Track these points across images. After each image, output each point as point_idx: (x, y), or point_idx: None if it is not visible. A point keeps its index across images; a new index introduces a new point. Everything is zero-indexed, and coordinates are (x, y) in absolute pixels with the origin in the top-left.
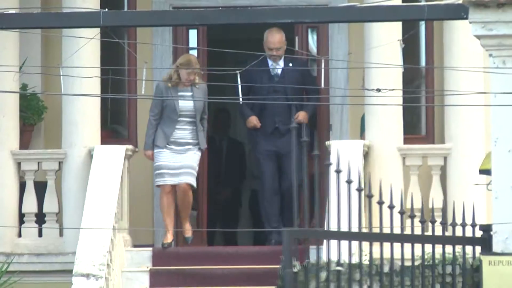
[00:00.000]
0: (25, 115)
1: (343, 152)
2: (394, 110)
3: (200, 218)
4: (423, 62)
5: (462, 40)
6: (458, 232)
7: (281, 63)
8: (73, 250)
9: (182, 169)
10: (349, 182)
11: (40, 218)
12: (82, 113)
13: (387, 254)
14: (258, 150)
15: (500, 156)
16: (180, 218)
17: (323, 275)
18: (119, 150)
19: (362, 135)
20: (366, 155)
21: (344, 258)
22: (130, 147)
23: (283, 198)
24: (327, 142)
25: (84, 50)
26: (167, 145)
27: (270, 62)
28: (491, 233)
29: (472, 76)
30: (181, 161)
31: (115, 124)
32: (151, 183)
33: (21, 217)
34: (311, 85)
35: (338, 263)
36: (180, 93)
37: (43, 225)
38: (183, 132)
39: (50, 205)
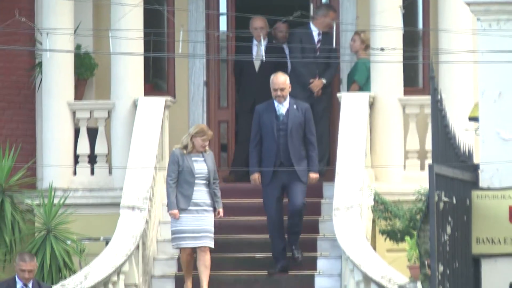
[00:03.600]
0: (79, 71)
1: (351, 102)
2: (395, 67)
3: (229, 158)
4: (420, 25)
5: (454, 6)
6: None
7: (286, 104)
8: (120, 186)
9: (202, 233)
10: None
11: (92, 158)
12: (128, 69)
13: None
14: (264, 189)
15: (486, 105)
16: (200, 280)
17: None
18: (159, 101)
19: (348, 90)
20: (372, 105)
21: None
22: (169, 98)
23: (291, 217)
24: (338, 94)
25: (129, 15)
26: (189, 207)
27: (276, 103)
28: (479, 171)
29: (463, 37)
30: (201, 225)
31: (156, 79)
32: (187, 130)
33: (76, 158)
34: (312, 126)
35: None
36: (193, 158)
37: (95, 165)
38: (200, 194)
39: (100, 148)
